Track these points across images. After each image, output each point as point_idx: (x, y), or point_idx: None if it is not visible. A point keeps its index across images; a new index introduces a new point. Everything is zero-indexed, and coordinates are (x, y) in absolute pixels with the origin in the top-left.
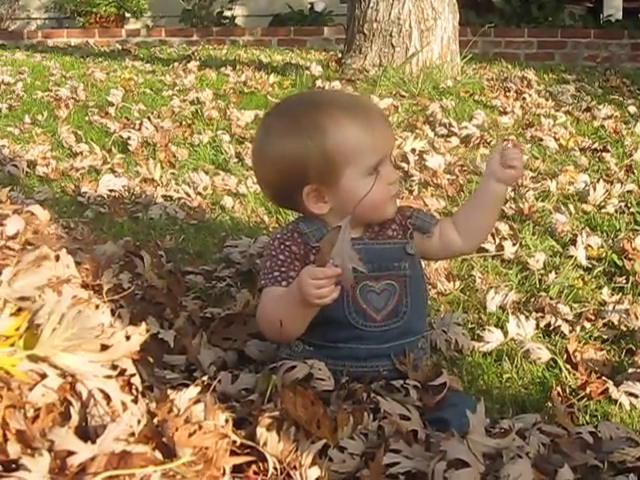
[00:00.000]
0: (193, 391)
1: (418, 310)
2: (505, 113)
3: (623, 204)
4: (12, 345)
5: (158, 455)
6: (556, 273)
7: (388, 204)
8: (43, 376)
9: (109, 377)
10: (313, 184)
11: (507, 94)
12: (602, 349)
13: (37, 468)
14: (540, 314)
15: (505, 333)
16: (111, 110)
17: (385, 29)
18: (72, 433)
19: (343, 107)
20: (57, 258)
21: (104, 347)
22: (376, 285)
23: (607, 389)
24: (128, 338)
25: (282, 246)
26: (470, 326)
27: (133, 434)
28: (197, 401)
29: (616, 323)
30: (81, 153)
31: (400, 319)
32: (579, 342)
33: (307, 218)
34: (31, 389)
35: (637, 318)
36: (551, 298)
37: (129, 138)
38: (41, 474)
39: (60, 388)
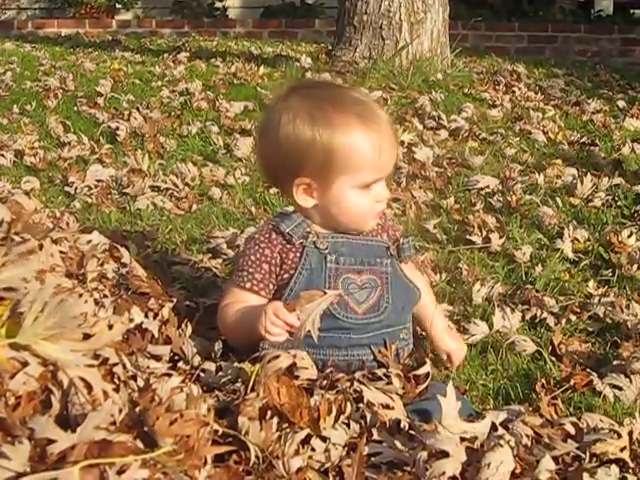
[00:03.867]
0: (175, 380)
1: (399, 306)
2: (494, 106)
3: (610, 197)
4: None
5: (139, 444)
6: (542, 266)
7: (370, 219)
8: (24, 364)
9: (91, 366)
10: (306, 177)
11: (496, 87)
12: (587, 341)
13: (17, 456)
14: (526, 306)
15: (490, 325)
16: (100, 100)
17: (375, 22)
18: (52, 421)
19: (361, 116)
20: (41, 247)
21: (86, 336)
22: (358, 278)
23: (591, 381)
24: (110, 327)
25: (256, 247)
26: (456, 318)
27: (114, 423)
28: (179, 390)
29: (601, 316)
30: (69, 143)
31: (381, 314)
32: (564, 334)
33: (287, 215)
34: (12, 377)
35: (622, 311)
36: (537, 291)
37: (117, 128)
38: (21, 462)
39: (41, 376)
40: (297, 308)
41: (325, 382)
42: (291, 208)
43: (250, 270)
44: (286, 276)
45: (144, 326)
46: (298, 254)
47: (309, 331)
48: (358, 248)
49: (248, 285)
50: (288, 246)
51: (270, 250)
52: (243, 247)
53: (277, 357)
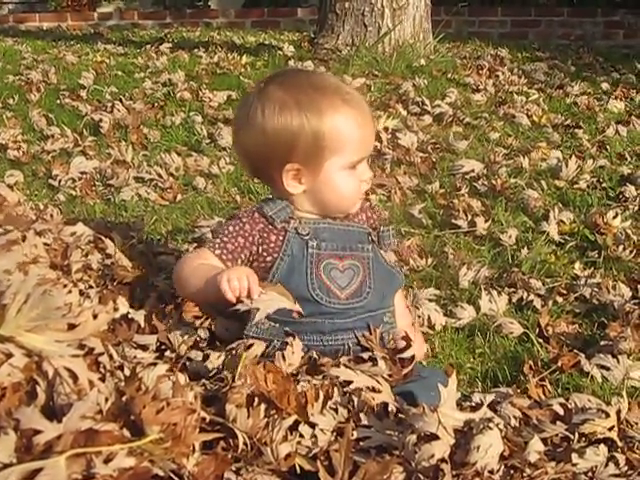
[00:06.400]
0: (162, 369)
1: (381, 291)
2: (478, 91)
3: (595, 179)
4: None
5: (126, 433)
6: (528, 248)
7: (357, 199)
8: (9, 356)
9: (76, 356)
10: (296, 163)
11: (480, 72)
12: (574, 323)
13: (3, 447)
14: (512, 289)
15: (477, 309)
16: (83, 93)
17: (357, 8)
18: (38, 412)
19: (343, 98)
20: (24, 238)
21: (71, 326)
22: (340, 263)
23: (579, 362)
24: (95, 317)
25: (237, 220)
26: (443, 302)
27: (100, 412)
28: (166, 379)
29: (588, 297)
30: (52, 136)
31: (363, 299)
32: (551, 316)
33: (272, 199)
34: None
35: (609, 292)
36: (523, 273)
37: (101, 120)
38: (7, 453)
39: (26, 367)
40: (265, 289)
41: (311, 368)
42: None
43: (224, 239)
44: (269, 259)
45: (130, 316)
46: (280, 238)
47: (257, 310)
48: (340, 234)
49: (217, 252)
50: (270, 227)
51: (250, 226)
52: (225, 221)
53: (251, 345)
